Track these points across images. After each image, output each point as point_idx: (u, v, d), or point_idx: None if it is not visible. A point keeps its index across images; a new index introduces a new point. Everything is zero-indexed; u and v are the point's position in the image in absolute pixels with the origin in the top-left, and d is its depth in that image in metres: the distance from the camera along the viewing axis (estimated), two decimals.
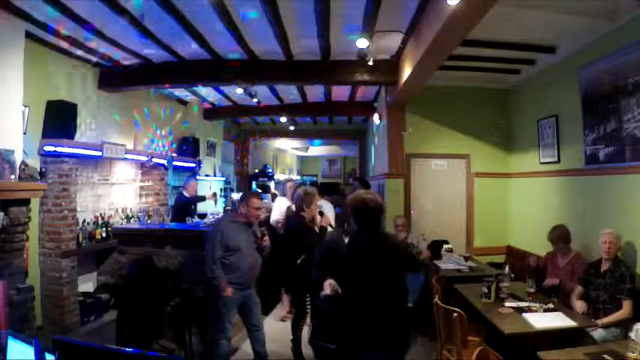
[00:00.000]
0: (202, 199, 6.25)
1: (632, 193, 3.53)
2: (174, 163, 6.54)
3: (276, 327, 4.53)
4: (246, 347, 3.80)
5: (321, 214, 3.98)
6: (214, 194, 6.66)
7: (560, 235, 3.89)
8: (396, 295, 2.21)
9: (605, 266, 3.23)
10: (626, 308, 2.99)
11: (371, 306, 2.18)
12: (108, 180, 5.35)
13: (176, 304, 3.77)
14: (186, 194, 6.01)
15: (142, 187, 6.05)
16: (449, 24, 3.06)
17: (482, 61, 4.90)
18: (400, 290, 2.24)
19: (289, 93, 7.05)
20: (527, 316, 2.93)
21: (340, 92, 7.11)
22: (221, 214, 5.62)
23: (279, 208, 5.18)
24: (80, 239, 4.48)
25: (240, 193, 5.28)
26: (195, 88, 6.59)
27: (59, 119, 4.26)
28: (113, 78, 5.21)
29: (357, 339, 2.23)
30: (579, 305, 3.29)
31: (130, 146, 5.57)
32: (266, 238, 3.63)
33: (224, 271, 3.32)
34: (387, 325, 2.19)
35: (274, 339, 3.86)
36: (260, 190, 9.73)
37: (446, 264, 4.72)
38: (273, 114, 8.53)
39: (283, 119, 9.07)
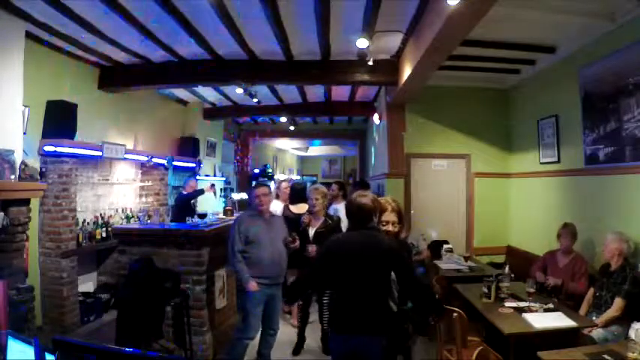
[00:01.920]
0: (201, 192, 6.27)
1: (632, 193, 3.54)
2: (174, 163, 6.53)
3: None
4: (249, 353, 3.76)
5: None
6: (212, 185, 6.66)
7: (572, 231, 3.89)
8: (375, 285, 2.31)
9: (613, 267, 3.24)
10: (615, 305, 3.02)
11: (349, 293, 2.34)
12: (108, 180, 5.35)
13: (176, 304, 3.77)
14: (185, 193, 6.02)
15: (142, 187, 6.05)
16: (449, 24, 3.07)
17: (483, 61, 4.91)
18: (380, 280, 2.32)
19: (289, 93, 7.04)
20: (527, 316, 2.93)
21: (340, 92, 7.11)
22: (221, 214, 5.62)
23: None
24: (80, 239, 4.48)
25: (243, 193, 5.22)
26: (195, 88, 6.59)
27: (59, 119, 4.25)
28: (113, 78, 5.21)
29: (341, 323, 2.37)
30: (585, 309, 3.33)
31: (130, 146, 5.57)
32: (296, 243, 3.57)
33: (246, 265, 3.35)
34: (363, 311, 2.30)
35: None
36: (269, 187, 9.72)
37: (446, 264, 4.72)
38: (273, 114, 8.53)
39: (283, 119, 9.07)
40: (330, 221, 3.89)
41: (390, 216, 2.66)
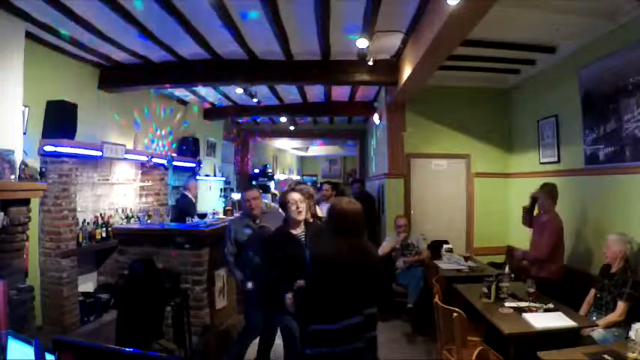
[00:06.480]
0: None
1: (632, 193, 3.53)
2: (174, 163, 6.54)
3: None
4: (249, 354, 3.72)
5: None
6: None
7: (549, 192, 3.93)
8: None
9: (614, 269, 3.22)
10: (618, 310, 2.99)
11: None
12: (108, 180, 5.35)
13: (176, 304, 3.77)
14: (187, 194, 6.01)
15: (142, 187, 6.05)
16: (449, 24, 3.07)
17: (483, 61, 4.90)
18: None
19: (289, 93, 7.04)
20: (527, 316, 2.93)
21: (340, 92, 7.11)
22: (221, 214, 5.63)
23: None
24: (80, 239, 4.49)
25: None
26: (195, 88, 6.59)
27: (59, 119, 4.26)
28: (113, 78, 5.21)
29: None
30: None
31: (130, 146, 5.57)
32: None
33: (240, 267, 3.45)
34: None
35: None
36: (260, 190, 9.73)
37: (446, 264, 4.72)
38: (273, 114, 8.53)
39: (283, 119, 9.07)
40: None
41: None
